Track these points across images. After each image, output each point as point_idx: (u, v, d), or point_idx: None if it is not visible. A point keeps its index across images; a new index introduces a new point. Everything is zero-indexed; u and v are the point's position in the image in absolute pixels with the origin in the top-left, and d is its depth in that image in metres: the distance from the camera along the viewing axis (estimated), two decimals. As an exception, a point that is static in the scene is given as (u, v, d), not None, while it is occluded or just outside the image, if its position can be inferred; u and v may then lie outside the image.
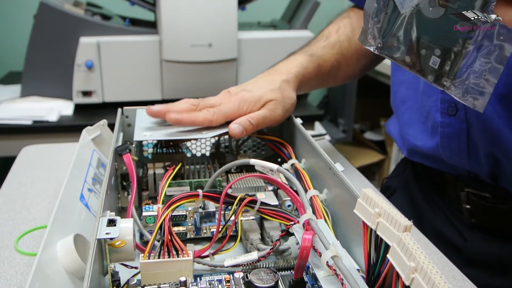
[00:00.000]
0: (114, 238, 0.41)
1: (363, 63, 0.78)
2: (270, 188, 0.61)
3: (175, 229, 0.54)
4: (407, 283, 0.30)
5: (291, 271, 0.48)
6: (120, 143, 0.61)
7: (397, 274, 0.32)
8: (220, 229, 0.50)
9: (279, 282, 0.44)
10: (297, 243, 0.49)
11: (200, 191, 0.49)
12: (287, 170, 0.56)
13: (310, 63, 0.70)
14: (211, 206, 0.56)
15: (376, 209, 0.36)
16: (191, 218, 0.55)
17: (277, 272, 0.45)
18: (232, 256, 0.48)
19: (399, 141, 0.74)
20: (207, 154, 0.71)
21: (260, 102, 0.62)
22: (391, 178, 0.85)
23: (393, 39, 0.48)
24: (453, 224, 0.68)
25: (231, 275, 0.46)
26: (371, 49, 0.51)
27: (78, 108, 1.42)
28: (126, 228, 0.44)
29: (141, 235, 0.54)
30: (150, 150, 0.67)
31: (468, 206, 0.64)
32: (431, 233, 0.64)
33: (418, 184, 0.76)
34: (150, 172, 0.62)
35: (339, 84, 0.80)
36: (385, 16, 0.49)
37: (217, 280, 0.46)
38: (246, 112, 0.62)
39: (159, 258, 0.44)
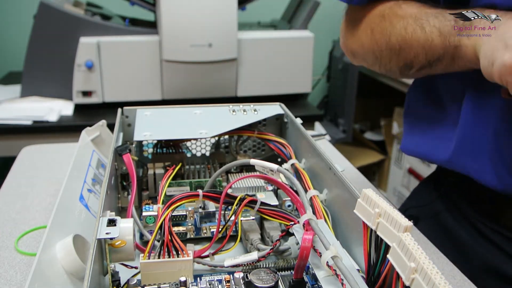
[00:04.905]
0: (114, 238, 0.41)
1: None
2: (270, 188, 0.61)
3: (175, 229, 0.54)
4: (407, 283, 0.30)
5: (291, 271, 0.48)
6: (120, 143, 0.61)
7: (397, 274, 0.32)
8: (220, 229, 0.50)
9: (279, 282, 0.44)
10: (297, 243, 0.49)
11: (200, 191, 0.49)
12: (287, 170, 0.56)
13: None
14: (211, 206, 0.56)
15: (376, 209, 0.36)
16: (191, 218, 0.55)
17: (277, 272, 0.45)
18: (232, 256, 0.48)
19: (429, 157, 0.64)
20: (207, 154, 0.71)
21: None
22: (413, 208, 0.72)
23: None
24: (510, 254, 0.58)
25: (231, 275, 0.46)
26: None
27: (78, 108, 1.43)
28: (126, 228, 0.44)
29: (141, 235, 0.54)
30: (150, 150, 0.67)
31: None
32: (480, 268, 0.57)
33: (452, 215, 0.65)
34: (150, 172, 0.62)
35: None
36: None
37: (217, 280, 0.46)
38: None
39: (159, 258, 0.44)
